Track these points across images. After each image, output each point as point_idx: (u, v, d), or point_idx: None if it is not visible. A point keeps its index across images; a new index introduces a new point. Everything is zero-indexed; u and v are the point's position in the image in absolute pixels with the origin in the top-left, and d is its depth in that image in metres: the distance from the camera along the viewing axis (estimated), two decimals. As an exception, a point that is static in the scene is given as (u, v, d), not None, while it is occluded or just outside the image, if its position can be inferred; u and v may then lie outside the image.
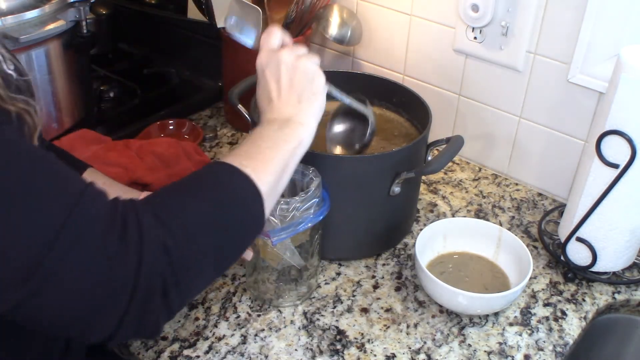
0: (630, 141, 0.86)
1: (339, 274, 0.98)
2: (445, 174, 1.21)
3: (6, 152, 0.54)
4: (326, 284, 0.96)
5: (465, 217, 1.10)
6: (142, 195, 0.92)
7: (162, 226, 0.58)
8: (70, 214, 0.54)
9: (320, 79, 0.79)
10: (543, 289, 0.97)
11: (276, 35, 0.80)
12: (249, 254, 0.88)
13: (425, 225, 0.99)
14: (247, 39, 0.96)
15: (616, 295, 0.97)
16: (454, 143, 0.94)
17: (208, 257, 0.62)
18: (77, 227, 0.54)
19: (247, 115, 0.99)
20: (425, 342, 0.87)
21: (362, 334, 0.88)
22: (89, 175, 0.91)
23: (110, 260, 0.55)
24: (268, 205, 0.68)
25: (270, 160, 0.69)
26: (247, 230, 0.67)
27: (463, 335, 0.89)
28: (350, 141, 0.98)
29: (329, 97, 0.83)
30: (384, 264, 1.00)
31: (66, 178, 0.57)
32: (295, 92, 0.77)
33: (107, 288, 0.55)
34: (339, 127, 0.99)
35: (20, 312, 0.55)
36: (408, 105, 1.08)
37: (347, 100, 0.92)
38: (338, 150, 0.99)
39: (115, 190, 0.91)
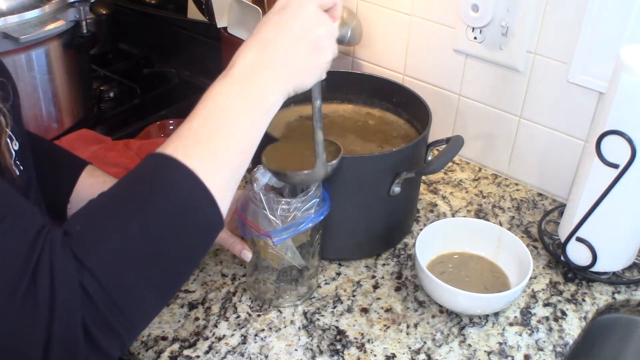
0: (630, 141, 0.86)
1: (339, 274, 0.98)
2: (445, 174, 1.21)
3: None
4: (326, 284, 0.96)
5: (465, 217, 1.10)
6: None
7: (80, 264, 0.51)
8: None
9: (322, 61, 0.66)
10: (543, 289, 0.97)
11: None
12: (247, 255, 0.88)
13: (425, 225, 0.99)
14: None
15: (616, 295, 0.97)
16: (454, 143, 0.94)
17: (146, 286, 0.54)
18: None
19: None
20: (425, 342, 0.87)
21: (362, 334, 0.88)
22: (87, 173, 0.91)
23: (19, 310, 0.49)
24: (225, 203, 0.57)
25: (225, 145, 0.57)
26: (196, 242, 0.57)
27: (463, 335, 0.89)
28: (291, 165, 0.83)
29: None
30: (384, 264, 1.00)
31: None
32: (285, 58, 0.63)
33: (18, 338, 0.50)
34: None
35: None
36: (408, 105, 1.08)
37: (318, 134, 0.76)
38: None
39: None
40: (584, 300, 0.95)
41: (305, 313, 0.91)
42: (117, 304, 0.52)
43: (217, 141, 0.57)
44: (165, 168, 0.55)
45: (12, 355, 0.51)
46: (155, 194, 0.54)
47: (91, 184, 0.90)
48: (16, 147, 0.70)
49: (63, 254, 0.51)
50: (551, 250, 1.03)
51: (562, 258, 0.99)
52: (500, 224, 1.09)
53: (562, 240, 0.99)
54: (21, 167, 0.70)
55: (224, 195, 0.57)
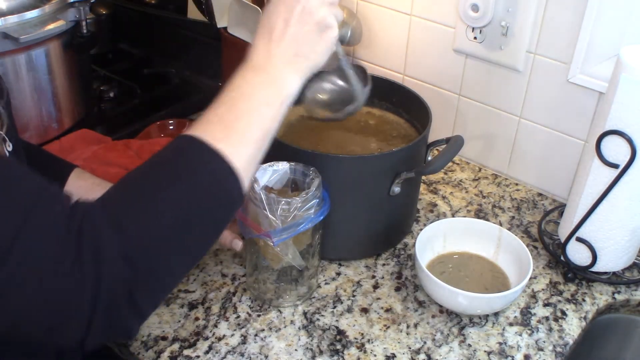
0: (630, 141, 0.86)
1: (339, 274, 0.98)
2: (445, 174, 1.21)
3: None
4: (326, 284, 0.96)
5: (465, 217, 1.10)
6: None
7: (121, 234, 0.55)
8: (23, 225, 0.52)
9: (330, 38, 0.70)
10: (543, 289, 0.97)
11: None
12: (238, 244, 0.89)
13: (425, 225, 0.99)
14: None
15: (616, 295, 0.97)
16: (454, 143, 0.94)
17: (178, 255, 0.59)
18: (30, 240, 0.52)
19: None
20: (425, 342, 0.87)
21: (362, 334, 0.88)
22: (75, 176, 0.91)
23: (66, 276, 0.53)
24: (247, 179, 0.63)
25: (248, 129, 0.63)
26: (222, 215, 0.62)
27: (463, 335, 0.89)
28: (330, 103, 0.91)
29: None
30: (384, 264, 1.00)
31: (19, 186, 0.55)
32: (296, 43, 0.67)
33: (65, 301, 0.53)
34: (325, 85, 0.92)
35: None
36: (408, 105, 1.08)
37: (348, 70, 0.86)
38: (315, 107, 0.92)
39: (103, 191, 0.91)
40: (584, 300, 0.95)
41: (305, 313, 0.91)
42: (154, 269, 0.57)
43: (242, 126, 0.62)
44: (194, 149, 0.60)
45: (59, 318, 0.54)
46: (185, 172, 0.59)
47: (79, 187, 0.90)
48: (9, 148, 0.69)
49: (104, 226, 0.55)
50: (551, 250, 1.03)
51: (562, 258, 0.99)
52: (500, 224, 1.09)
53: (562, 240, 0.99)
54: None
55: (246, 174, 0.62)
